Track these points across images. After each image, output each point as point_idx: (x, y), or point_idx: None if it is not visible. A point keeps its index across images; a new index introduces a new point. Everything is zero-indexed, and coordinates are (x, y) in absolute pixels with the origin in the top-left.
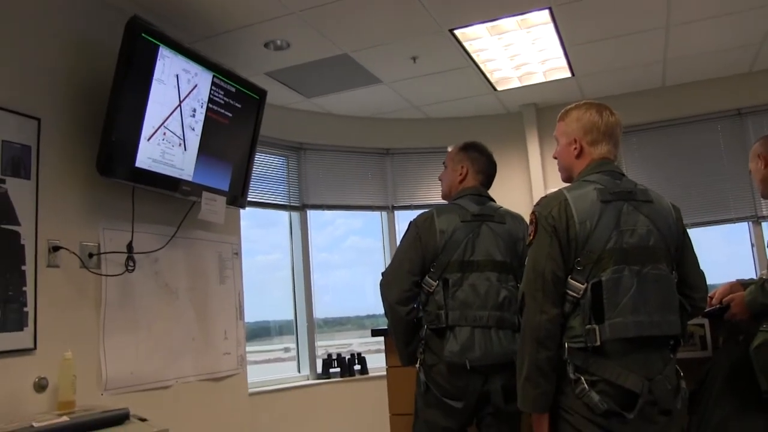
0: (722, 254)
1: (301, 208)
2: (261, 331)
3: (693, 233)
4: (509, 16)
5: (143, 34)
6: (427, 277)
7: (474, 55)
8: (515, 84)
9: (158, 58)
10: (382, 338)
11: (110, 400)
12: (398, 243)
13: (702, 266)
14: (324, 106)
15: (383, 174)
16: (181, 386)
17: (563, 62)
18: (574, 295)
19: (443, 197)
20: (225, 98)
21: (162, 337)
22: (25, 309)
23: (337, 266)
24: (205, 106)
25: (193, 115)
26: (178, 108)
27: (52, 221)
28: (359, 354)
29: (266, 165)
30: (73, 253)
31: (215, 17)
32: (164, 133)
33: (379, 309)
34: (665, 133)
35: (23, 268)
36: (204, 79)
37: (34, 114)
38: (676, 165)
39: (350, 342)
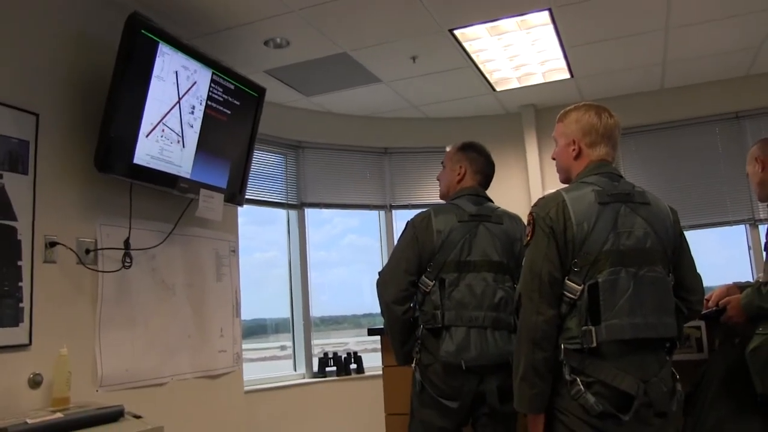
0: (719, 257)
1: (299, 206)
2: (257, 329)
3: (690, 235)
4: (509, 17)
5: (143, 31)
6: (423, 276)
7: (473, 56)
8: (514, 84)
9: (158, 54)
10: (378, 337)
11: (105, 397)
12: (395, 242)
13: (699, 269)
14: (323, 104)
15: (381, 173)
16: (177, 383)
17: (562, 63)
18: (571, 296)
19: (441, 197)
20: (224, 95)
21: (158, 334)
22: (21, 305)
23: (335, 265)
24: (203, 103)
25: (192, 112)
26: (177, 105)
27: (49, 217)
28: (355, 353)
29: (264, 163)
30: (70, 248)
31: (215, 14)
32: (163, 130)
33: (375, 308)
34: (663, 136)
35: (19, 263)
36: (203, 76)
37: (33, 109)
38: (674, 167)
39: (346, 341)
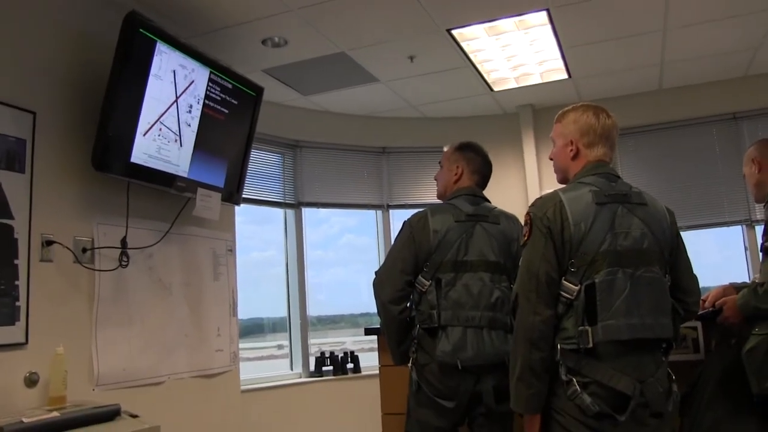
0: (716, 257)
1: (297, 205)
2: (254, 328)
3: (687, 236)
4: (507, 17)
5: (141, 30)
6: (420, 276)
7: (471, 56)
8: (512, 85)
9: (155, 53)
10: (375, 337)
11: (102, 396)
12: (393, 242)
13: (695, 269)
14: (321, 103)
15: (379, 173)
16: (174, 382)
17: (560, 64)
18: (568, 296)
19: (438, 197)
20: (221, 94)
21: (155, 333)
22: (18, 303)
23: (332, 264)
24: (201, 102)
25: (190, 111)
26: (175, 104)
27: (46, 215)
28: (352, 352)
29: (262, 162)
30: (67, 247)
31: (213, 13)
32: (160, 129)
33: (372, 307)
34: (661, 136)
35: (16, 262)
36: (201, 75)
37: (30, 107)
38: (671, 168)
39: (343, 340)
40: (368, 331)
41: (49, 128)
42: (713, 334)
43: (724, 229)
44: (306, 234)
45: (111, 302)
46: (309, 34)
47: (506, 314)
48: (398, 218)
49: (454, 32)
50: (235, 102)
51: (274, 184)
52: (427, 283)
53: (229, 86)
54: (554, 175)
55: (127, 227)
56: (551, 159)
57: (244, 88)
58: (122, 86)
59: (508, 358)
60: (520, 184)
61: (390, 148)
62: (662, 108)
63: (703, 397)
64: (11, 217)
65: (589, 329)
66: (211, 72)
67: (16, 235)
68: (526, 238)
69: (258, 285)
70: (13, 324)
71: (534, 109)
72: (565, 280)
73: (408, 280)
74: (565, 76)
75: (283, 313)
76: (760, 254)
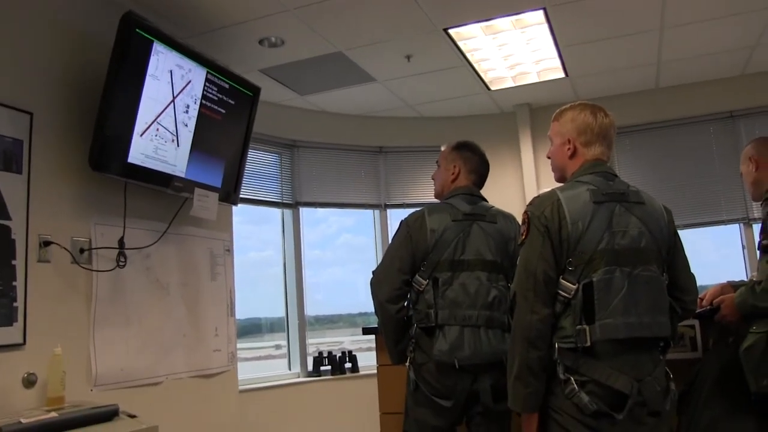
0: (713, 256)
1: (294, 205)
2: (252, 328)
3: (684, 235)
4: (504, 16)
5: (137, 30)
6: (417, 275)
7: (468, 55)
8: (509, 84)
9: (152, 53)
10: (373, 336)
11: (100, 396)
12: (390, 241)
13: (693, 268)
14: (318, 103)
15: (376, 172)
16: (172, 383)
17: (557, 63)
18: (566, 295)
19: (436, 196)
20: (218, 94)
21: (153, 333)
22: (15, 304)
23: (329, 264)
24: (198, 102)
25: (187, 111)
26: (172, 104)
27: (43, 216)
28: (350, 352)
29: (259, 162)
30: (64, 248)
31: (210, 13)
32: (157, 129)
33: (370, 307)
34: (658, 135)
35: (13, 262)
36: (198, 75)
37: (27, 108)
38: (668, 166)
39: (341, 340)
40: (366, 331)
41: (46, 129)
42: (711, 333)
43: (722, 227)
44: (303, 234)
45: (109, 302)
46: (306, 34)
47: (503, 313)
48: (395, 218)
49: (451, 31)
50: (232, 102)
51: (272, 184)
52: (424, 282)
53: (226, 86)
54: (551, 174)
55: (124, 227)
56: (549, 158)
57: (241, 88)
58: (119, 86)
59: (505, 357)
60: (518, 183)
61: (387, 148)
62: (659, 107)
63: (700, 396)
64: (8, 218)
65: (587, 328)
66: (208, 72)
67: (13, 236)
68: (523, 236)
69: (256, 285)
70: (11, 325)
71: (531, 108)
72: (562, 278)
73: (405, 280)
74: (562, 75)
75: (281, 313)
76: (758, 252)
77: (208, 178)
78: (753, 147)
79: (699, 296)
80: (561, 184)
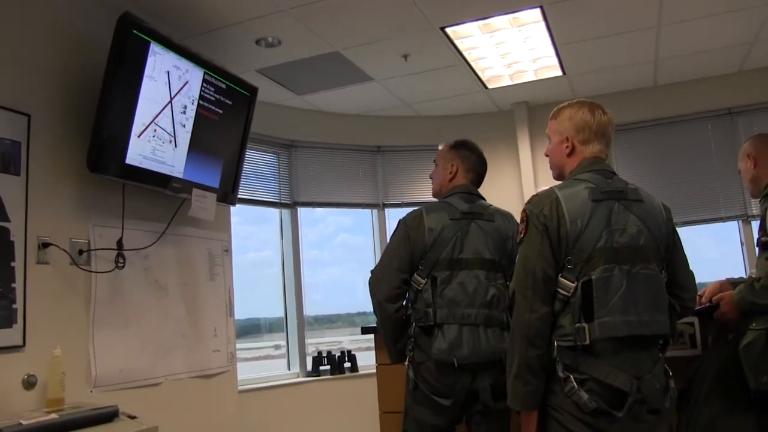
0: (712, 253)
1: (292, 205)
2: (251, 329)
3: (683, 232)
4: (501, 15)
5: (134, 31)
6: (415, 274)
7: (465, 53)
8: (506, 82)
9: (149, 54)
10: (372, 336)
11: (100, 398)
12: (388, 241)
13: (692, 265)
14: (315, 103)
15: (374, 171)
16: (171, 383)
17: (554, 61)
18: (565, 293)
19: (434, 195)
20: (216, 95)
21: (152, 334)
22: (15, 306)
23: (328, 263)
24: (195, 103)
25: (184, 112)
26: (169, 105)
27: (41, 218)
28: (349, 351)
29: (257, 162)
30: (63, 249)
31: (207, 14)
32: (155, 130)
33: (369, 306)
34: (656, 132)
35: (12, 264)
36: (195, 75)
37: (24, 110)
38: (666, 164)
39: (340, 339)
40: (365, 330)
41: (44, 130)
42: (710, 330)
43: (721, 224)
44: (302, 234)
45: (108, 304)
46: (302, 34)
47: (502, 312)
48: (394, 217)
49: (448, 30)
50: (230, 102)
51: (270, 184)
52: (423, 281)
53: (223, 86)
54: (549, 172)
55: (123, 228)
56: (547, 156)
57: (239, 89)
58: (117, 88)
59: (504, 355)
60: (516, 182)
61: (385, 147)
62: (657, 104)
63: (700, 393)
64: (7, 220)
65: (586, 326)
66: (205, 72)
67: (12, 238)
68: (522, 235)
69: (254, 285)
70: (11, 326)
71: (528, 107)
72: (561, 277)
73: (404, 279)
74: (559, 73)
75: (280, 313)
76: (757, 249)
77: (206, 178)
78: (751, 144)
79: (698, 293)
80: (559, 182)
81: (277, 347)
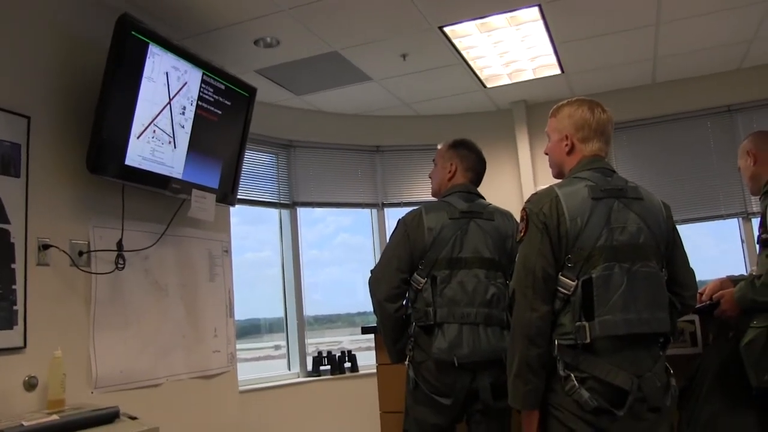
0: (713, 250)
1: (291, 205)
2: (251, 329)
3: (683, 229)
4: (499, 13)
5: (133, 32)
6: (415, 274)
7: (464, 53)
8: (505, 81)
9: (148, 55)
10: (372, 336)
11: (100, 399)
12: (388, 240)
13: (692, 262)
14: (314, 103)
15: (373, 171)
16: (172, 384)
17: (553, 59)
18: (565, 292)
19: (433, 194)
20: (215, 96)
21: (152, 335)
22: (15, 307)
23: (327, 263)
24: (194, 104)
25: (183, 113)
26: (168, 106)
27: (41, 219)
28: (350, 351)
29: (256, 162)
30: (63, 251)
31: (205, 15)
32: (154, 131)
33: (369, 306)
34: (655, 130)
35: (13, 266)
36: (194, 76)
37: (24, 112)
38: (666, 161)
39: (340, 339)
40: (365, 330)
41: (44, 132)
42: (711, 328)
43: (721, 222)
44: (301, 234)
45: (108, 305)
46: (301, 34)
47: (502, 311)
48: (393, 216)
49: (446, 29)
50: (229, 103)
51: (269, 185)
52: (423, 280)
53: (222, 87)
54: (549, 171)
55: (122, 230)
56: (546, 154)
57: (237, 89)
58: (116, 89)
59: (504, 354)
60: (515, 181)
61: (384, 147)
62: (656, 102)
63: (701, 391)
64: (7, 222)
65: (587, 325)
66: (203, 73)
67: (12, 240)
68: (522, 234)
69: (254, 286)
70: (11, 328)
71: (527, 105)
72: (561, 275)
73: (403, 278)
74: (557, 71)
75: (280, 314)
76: (757, 246)
77: (205, 179)
78: (750, 141)
79: (698, 291)
80: (559, 181)
81: (277, 347)
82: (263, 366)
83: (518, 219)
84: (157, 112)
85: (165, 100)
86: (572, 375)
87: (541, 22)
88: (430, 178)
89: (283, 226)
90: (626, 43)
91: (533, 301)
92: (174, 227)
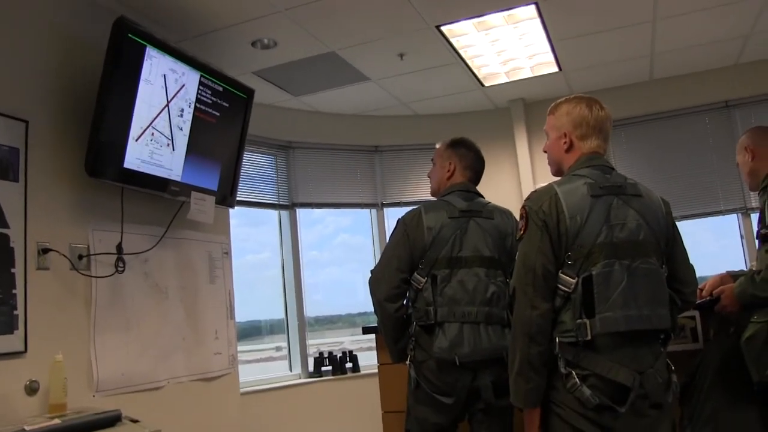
0: (712, 246)
1: (291, 206)
2: (252, 331)
3: (682, 226)
4: (496, 12)
5: (130, 35)
6: (415, 273)
7: (461, 51)
8: (503, 79)
9: (145, 58)
10: (373, 336)
11: (102, 402)
12: (387, 240)
13: (692, 258)
14: (312, 104)
15: (372, 171)
16: (173, 386)
17: (550, 57)
18: (565, 289)
19: (432, 194)
20: (213, 98)
21: (153, 337)
22: (15, 312)
23: (327, 264)
24: (192, 106)
25: (181, 115)
26: (166, 108)
27: (41, 223)
28: (351, 352)
29: (255, 164)
30: (63, 255)
31: (202, 16)
32: (152, 134)
33: (370, 306)
34: (653, 127)
35: (13, 270)
36: (191, 78)
37: (22, 116)
38: (664, 158)
39: (341, 340)
40: (366, 330)
41: (42, 136)
42: (711, 324)
43: (720, 217)
44: (301, 235)
45: (108, 308)
46: (298, 35)
47: (502, 309)
48: (392, 216)
49: (444, 28)
50: (227, 105)
51: (268, 186)
52: (423, 280)
53: (220, 89)
54: (547, 169)
55: (122, 233)
56: (545, 151)
57: (235, 91)
58: (113, 92)
59: (505, 353)
60: (514, 179)
61: (382, 147)
62: (654, 98)
63: (702, 387)
64: (7, 226)
65: (587, 322)
66: (201, 75)
67: (12, 244)
68: (522, 232)
69: (254, 287)
70: (12, 333)
71: (525, 103)
72: (562, 273)
73: (403, 278)
74: (555, 69)
75: (281, 315)
76: (757, 242)
77: (204, 181)
78: (748, 137)
79: (698, 287)
80: (558, 178)
81: (278, 349)
82: (265, 367)
83: (518, 217)
84: (155, 115)
85: (163, 103)
86: (574, 372)
87: (538, 20)
88: (429, 177)
89: (283, 227)
90: (623, 39)
91: (534, 298)
92: (173, 230)
